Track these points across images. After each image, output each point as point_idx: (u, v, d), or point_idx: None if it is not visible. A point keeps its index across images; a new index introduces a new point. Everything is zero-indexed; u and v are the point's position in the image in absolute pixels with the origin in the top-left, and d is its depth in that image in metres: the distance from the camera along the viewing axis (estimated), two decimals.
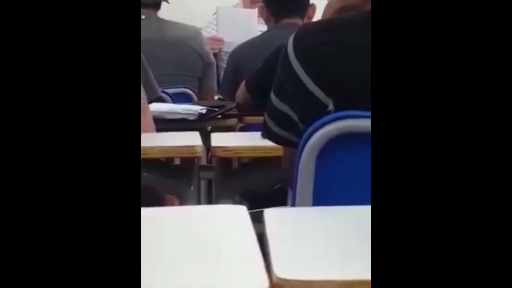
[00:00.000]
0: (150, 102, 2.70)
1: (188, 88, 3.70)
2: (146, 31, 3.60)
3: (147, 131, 2.51)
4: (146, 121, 2.58)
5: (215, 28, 4.53)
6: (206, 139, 2.43)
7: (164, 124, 2.83)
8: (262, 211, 1.20)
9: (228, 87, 3.56)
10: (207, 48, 3.97)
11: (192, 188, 2.45)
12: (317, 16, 3.48)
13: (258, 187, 2.63)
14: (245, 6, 4.69)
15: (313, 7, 3.52)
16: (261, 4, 3.59)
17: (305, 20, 3.49)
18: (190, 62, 3.83)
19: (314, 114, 1.49)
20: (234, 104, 3.14)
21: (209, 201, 3.09)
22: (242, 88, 3.13)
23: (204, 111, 2.97)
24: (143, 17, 3.62)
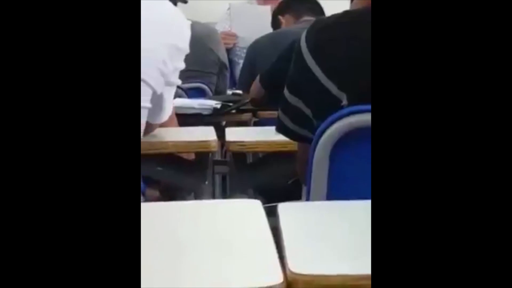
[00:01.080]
0: None
1: (203, 83, 3.70)
2: None
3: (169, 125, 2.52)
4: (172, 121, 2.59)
5: (229, 23, 4.54)
6: (220, 133, 2.44)
7: (178, 119, 2.83)
8: (276, 205, 1.21)
9: (245, 81, 3.57)
10: (223, 47, 3.97)
11: (206, 182, 2.46)
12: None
13: (272, 181, 2.63)
14: (259, 3, 4.69)
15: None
16: (279, 12, 3.63)
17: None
18: (206, 60, 3.83)
19: (327, 109, 1.49)
20: (249, 99, 3.14)
21: (224, 196, 3.10)
22: (256, 83, 3.13)
23: (218, 106, 2.97)
24: None
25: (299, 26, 3.36)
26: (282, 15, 3.63)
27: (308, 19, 3.46)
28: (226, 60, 3.99)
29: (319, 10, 3.56)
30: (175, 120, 2.70)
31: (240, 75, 3.82)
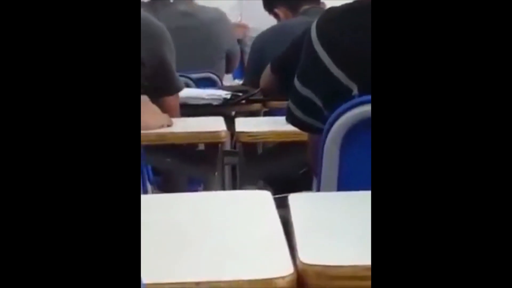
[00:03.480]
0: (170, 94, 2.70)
1: (213, 73, 3.69)
2: (172, 15, 3.61)
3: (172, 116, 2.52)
4: (170, 109, 2.58)
5: (239, 13, 4.53)
6: (230, 124, 2.43)
7: (188, 109, 2.83)
8: (286, 196, 1.21)
9: (252, 74, 3.55)
10: (232, 34, 3.95)
11: (216, 173, 2.46)
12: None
13: (282, 172, 2.63)
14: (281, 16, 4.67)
15: None
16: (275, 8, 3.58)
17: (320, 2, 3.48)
18: (215, 45, 3.82)
19: (338, 99, 1.49)
20: (259, 89, 3.14)
21: (234, 187, 3.10)
22: (267, 71, 3.12)
23: (228, 96, 2.97)
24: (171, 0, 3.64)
25: (301, 18, 3.34)
26: (277, 7, 3.59)
27: (307, 7, 3.43)
28: (235, 48, 3.96)
29: None
30: (177, 109, 2.70)
31: (246, 69, 3.79)
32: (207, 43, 3.77)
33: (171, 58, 2.65)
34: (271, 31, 3.53)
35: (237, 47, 4.00)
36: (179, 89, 2.74)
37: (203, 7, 3.85)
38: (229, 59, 3.90)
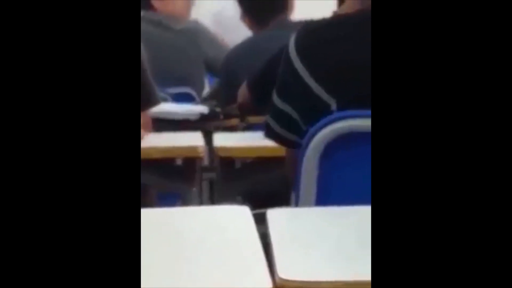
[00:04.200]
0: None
1: (190, 88, 3.67)
2: (146, 29, 3.58)
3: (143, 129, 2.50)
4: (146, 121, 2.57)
5: (219, 28, 4.51)
6: (208, 139, 2.43)
7: (166, 124, 2.82)
8: (265, 212, 1.20)
9: (224, 88, 3.53)
10: (211, 42, 3.90)
11: (194, 188, 2.45)
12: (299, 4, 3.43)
13: (260, 187, 2.63)
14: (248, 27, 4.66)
15: None
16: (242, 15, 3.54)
17: (290, 11, 3.44)
18: (193, 59, 3.78)
19: (316, 114, 1.49)
20: (236, 104, 3.13)
21: (212, 202, 3.09)
22: (243, 88, 3.12)
23: (206, 112, 2.97)
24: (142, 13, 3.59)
25: (272, 31, 3.30)
26: (243, 19, 3.54)
27: (278, 19, 3.38)
28: (215, 56, 3.89)
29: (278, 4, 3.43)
30: (149, 123, 2.67)
31: (219, 83, 3.73)
32: (183, 54, 3.73)
33: (149, 68, 2.63)
34: (241, 45, 3.51)
35: (219, 55, 3.94)
36: (158, 102, 2.72)
37: (178, 19, 3.80)
38: (210, 66, 3.83)
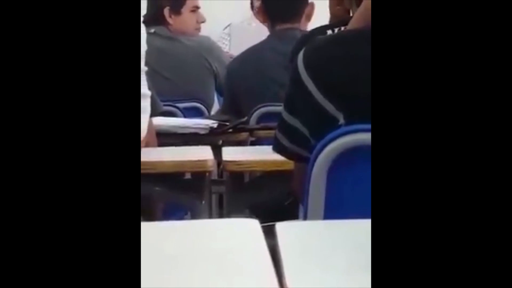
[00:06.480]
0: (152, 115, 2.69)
1: (200, 103, 3.68)
2: (158, 43, 3.59)
3: (149, 143, 2.52)
4: (151, 134, 2.58)
5: (227, 43, 4.53)
6: (217, 153, 2.44)
7: (175, 138, 2.83)
8: (274, 225, 1.21)
9: (227, 101, 3.53)
10: (223, 61, 3.92)
11: (203, 202, 2.46)
12: (317, 14, 3.45)
13: (269, 201, 2.63)
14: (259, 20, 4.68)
15: (312, 5, 3.48)
16: (258, 9, 3.57)
17: (303, 20, 3.45)
18: (203, 74, 3.79)
19: (324, 128, 1.49)
20: (245, 118, 3.14)
21: (220, 215, 3.10)
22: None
23: (215, 125, 2.98)
24: (152, 30, 3.61)
25: (272, 42, 3.32)
26: (259, 14, 3.56)
27: (285, 27, 3.39)
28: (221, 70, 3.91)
29: (294, 13, 3.46)
30: (154, 137, 2.69)
31: (224, 96, 3.73)
32: (194, 69, 3.74)
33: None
34: (241, 56, 3.52)
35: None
36: (161, 109, 2.73)
37: (190, 34, 3.82)
38: (219, 83, 3.85)
